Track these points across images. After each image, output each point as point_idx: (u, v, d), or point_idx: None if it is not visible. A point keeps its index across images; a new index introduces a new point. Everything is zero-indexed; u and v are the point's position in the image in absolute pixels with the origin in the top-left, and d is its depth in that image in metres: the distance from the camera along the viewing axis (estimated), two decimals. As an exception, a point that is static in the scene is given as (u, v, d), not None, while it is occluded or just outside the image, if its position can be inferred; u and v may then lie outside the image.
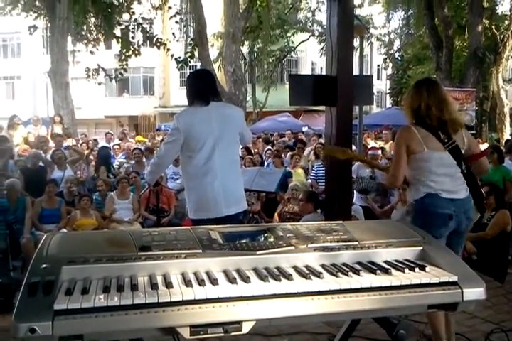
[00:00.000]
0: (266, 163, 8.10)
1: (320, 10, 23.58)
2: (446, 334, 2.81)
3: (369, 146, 8.56)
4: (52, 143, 8.84)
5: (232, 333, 1.31)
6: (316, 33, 23.97)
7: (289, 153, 8.64)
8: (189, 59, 11.18)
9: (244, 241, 1.65)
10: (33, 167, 6.63)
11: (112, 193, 6.21)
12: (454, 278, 1.52)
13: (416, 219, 2.78)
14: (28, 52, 26.46)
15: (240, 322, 1.31)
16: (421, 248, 1.72)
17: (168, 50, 11.50)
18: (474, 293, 1.51)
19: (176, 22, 13.70)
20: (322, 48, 21.90)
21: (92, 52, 12.36)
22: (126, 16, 14.02)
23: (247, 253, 1.56)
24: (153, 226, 5.50)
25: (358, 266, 1.59)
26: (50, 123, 10.88)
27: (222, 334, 1.30)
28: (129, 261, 1.44)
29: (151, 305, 1.24)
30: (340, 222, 1.91)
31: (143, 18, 13.64)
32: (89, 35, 13.05)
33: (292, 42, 22.93)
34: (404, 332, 1.49)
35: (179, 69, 12.50)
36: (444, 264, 1.61)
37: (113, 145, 10.08)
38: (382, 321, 1.57)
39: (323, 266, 1.58)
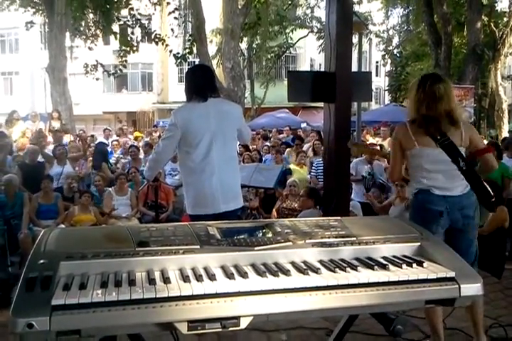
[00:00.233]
0: (264, 159, 8.09)
1: (319, 6, 23.52)
2: (473, 329, 2.80)
3: (368, 143, 8.56)
4: (50, 139, 8.83)
5: (230, 328, 1.31)
6: (315, 30, 23.94)
7: (288, 149, 8.64)
8: (187, 55, 11.15)
9: (242, 236, 1.65)
10: (31, 162, 6.62)
11: (110, 189, 6.20)
12: (452, 274, 1.53)
13: (411, 215, 2.81)
14: (26, 47, 26.35)
15: (237, 318, 1.31)
16: (419, 244, 1.72)
17: (166, 45, 11.47)
18: (472, 288, 1.51)
19: (175, 18, 13.66)
20: (321, 45, 21.87)
21: (90, 48, 12.32)
22: (124, 12, 13.98)
23: (245, 249, 1.56)
24: (151, 222, 5.50)
25: (355, 262, 1.59)
26: (48, 118, 10.87)
27: (220, 330, 1.30)
28: (127, 256, 1.43)
29: (148, 301, 1.24)
30: (339, 217, 1.91)
31: (140, 14, 13.59)
32: (87, 30, 13.00)
33: (291, 38, 22.90)
34: (402, 327, 1.50)
35: (177, 65, 12.46)
36: (441, 260, 1.62)
37: (111, 142, 10.07)
38: (380, 316, 1.58)
39: (321, 261, 1.59)
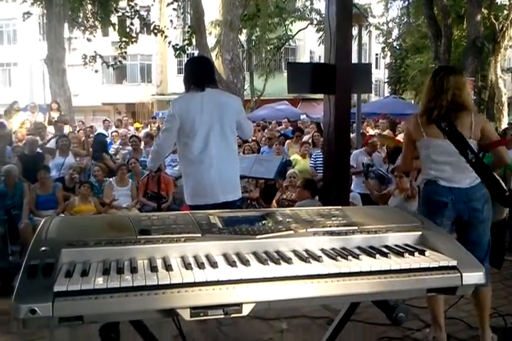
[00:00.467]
0: (262, 151, 8.08)
1: (318, -2, 23.40)
2: (479, 322, 2.80)
3: (368, 134, 8.57)
4: (50, 130, 8.82)
5: (232, 315, 1.31)
6: (315, 22, 23.84)
7: (288, 141, 8.63)
8: (186, 46, 11.09)
9: (243, 225, 1.64)
10: (30, 153, 6.62)
11: (111, 179, 6.20)
12: (454, 263, 1.53)
13: (419, 206, 2.82)
14: (24, 38, 26.19)
15: (239, 305, 1.31)
16: (420, 233, 1.72)
17: (165, 37, 11.41)
18: (474, 277, 1.51)
19: (174, 9, 13.57)
20: (320, 37, 21.79)
21: (88, 40, 12.25)
22: (123, 3, 13.88)
23: (246, 238, 1.56)
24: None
25: (357, 251, 1.59)
26: (47, 110, 10.85)
27: (222, 316, 1.30)
28: (129, 244, 1.43)
29: (151, 287, 1.24)
30: (340, 207, 1.91)
31: (139, 5, 13.48)
32: (85, 22, 12.92)
33: (290, 30, 22.81)
34: (404, 315, 1.50)
35: (176, 57, 12.40)
36: (443, 249, 1.62)
37: (111, 133, 10.05)
38: (382, 304, 1.58)
39: (322, 250, 1.58)
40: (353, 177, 6.30)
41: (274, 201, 5.88)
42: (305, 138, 8.83)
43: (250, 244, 1.54)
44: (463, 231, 2.73)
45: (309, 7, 24.33)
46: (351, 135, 7.37)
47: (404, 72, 25.53)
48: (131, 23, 11.84)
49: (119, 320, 1.30)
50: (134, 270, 1.30)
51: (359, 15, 9.26)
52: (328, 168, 5.31)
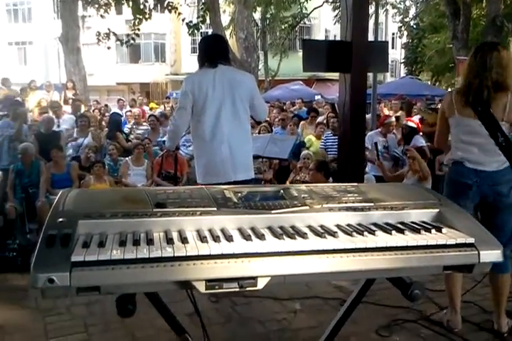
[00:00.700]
0: (275, 132, 8.04)
1: (335, -25, 22.84)
2: (495, 308, 2.79)
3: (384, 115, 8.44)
4: (65, 108, 8.86)
5: (248, 288, 1.31)
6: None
7: (302, 122, 8.56)
8: (200, 24, 10.95)
9: (258, 200, 1.64)
10: (46, 132, 6.67)
11: (127, 159, 6.23)
12: (471, 240, 1.51)
13: (445, 185, 2.79)
14: (39, 17, 26.16)
15: (255, 278, 1.32)
16: (437, 210, 1.70)
17: (179, 14, 11.29)
18: (491, 255, 1.49)
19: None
20: (336, 15, 21.35)
21: (102, 16, 12.16)
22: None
23: (261, 212, 1.56)
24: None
25: (373, 227, 1.58)
26: (63, 89, 10.88)
27: (238, 289, 1.30)
28: (145, 216, 1.44)
29: (166, 259, 1.25)
30: (355, 184, 1.90)
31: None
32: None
33: (305, 8, 22.33)
34: (419, 292, 1.50)
35: (190, 35, 12.26)
36: (461, 227, 1.60)
37: (125, 112, 10.07)
38: (397, 281, 1.57)
39: (338, 226, 1.58)
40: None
41: (287, 182, 5.87)
42: (320, 118, 8.75)
43: (265, 219, 1.54)
44: (487, 214, 2.69)
45: (325, -16, 23.83)
46: (366, 116, 7.29)
47: (421, 53, 25.04)
48: (145, 0, 11.70)
49: (136, 292, 1.31)
50: (150, 242, 1.31)
51: (376, -8, 9.07)
52: (342, 148, 5.27)
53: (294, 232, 1.47)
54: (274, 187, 1.83)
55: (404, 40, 28.27)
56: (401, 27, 25.67)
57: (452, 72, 19.38)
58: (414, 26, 26.51)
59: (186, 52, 25.87)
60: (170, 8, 11.63)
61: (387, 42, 6.74)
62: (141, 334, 2.89)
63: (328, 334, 2.02)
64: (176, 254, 1.26)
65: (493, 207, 2.66)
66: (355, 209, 1.65)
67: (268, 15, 22.91)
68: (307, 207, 1.62)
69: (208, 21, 12.24)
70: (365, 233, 1.51)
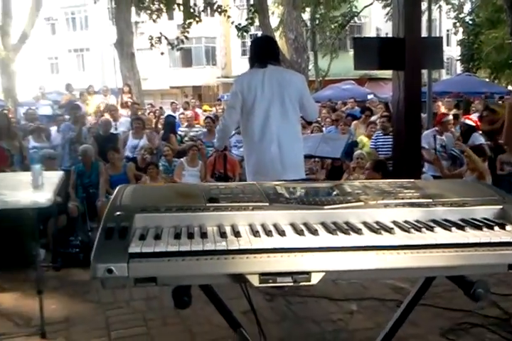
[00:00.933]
0: (327, 130, 7.95)
1: (385, -28, 22.36)
2: None
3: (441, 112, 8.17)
4: (121, 112, 9.18)
5: (302, 283, 1.30)
6: (381, -3, 22.86)
7: (355, 122, 8.43)
8: (249, 26, 11.01)
9: (311, 196, 1.62)
10: (104, 134, 6.93)
11: (183, 160, 6.35)
12: (538, 238, 1.42)
13: None
14: (95, 24, 27.25)
15: (308, 273, 1.30)
16: (500, 207, 1.62)
17: (228, 17, 11.43)
18: (560, 253, 1.40)
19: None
20: (387, 13, 20.93)
21: (154, 21, 12.49)
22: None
23: (314, 208, 1.54)
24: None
25: (431, 223, 1.52)
26: (119, 93, 11.27)
27: (291, 284, 1.29)
28: (198, 211, 1.46)
29: (220, 252, 1.26)
30: (412, 180, 1.84)
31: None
32: (151, 5, 13.19)
33: (355, 7, 22.03)
34: (483, 291, 1.42)
35: (239, 37, 12.37)
36: (526, 224, 1.51)
37: (178, 115, 10.30)
38: (458, 280, 1.50)
39: (394, 222, 1.53)
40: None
41: (341, 182, 5.77)
42: (373, 118, 8.58)
43: (318, 214, 1.52)
44: None
45: (375, -18, 23.37)
46: (422, 115, 7.08)
47: (478, 49, 24.05)
48: (194, 4, 11.89)
49: (191, 284, 1.33)
50: (204, 235, 1.33)
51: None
52: (397, 148, 5.14)
53: (348, 228, 1.44)
54: (326, 183, 1.80)
55: (460, 36, 27.27)
56: (456, 23, 24.81)
57: (512, 68, 18.50)
58: (470, 22, 25.52)
59: (236, 55, 26.15)
60: (219, 11, 11.78)
61: (441, 37, 6.55)
62: (197, 330, 2.94)
63: (384, 335, 1.96)
64: (229, 247, 1.27)
65: None
66: (412, 205, 1.60)
67: (317, 15, 22.75)
68: (362, 203, 1.59)
69: (257, 23, 12.30)
70: (424, 229, 1.45)
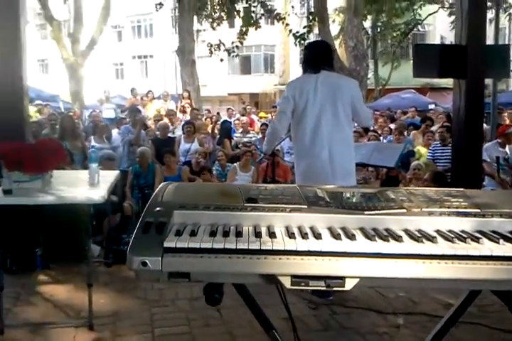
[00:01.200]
0: (387, 139, 7.78)
1: (451, -21, 21.68)
2: None
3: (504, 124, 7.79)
4: (180, 116, 9.44)
5: (335, 288, 1.27)
6: (446, 5, 22.15)
7: (414, 132, 8.21)
8: (307, 34, 11.00)
9: (351, 200, 1.59)
10: (162, 137, 7.14)
11: (236, 164, 6.43)
12: None
13: None
14: (159, 32, 28.20)
15: (342, 278, 1.27)
16: (556, 220, 1.52)
17: (287, 25, 11.49)
18: None
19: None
20: (453, 21, 20.23)
21: (213, 28, 12.76)
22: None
23: (354, 213, 1.51)
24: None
25: (478, 234, 1.45)
26: (179, 98, 11.60)
27: (324, 288, 1.27)
28: (236, 210, 1.47)
29: (253, 252, 1.26)
30: (461, 189, 1.76)
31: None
32: (213, 13, 13.50)
33: (419, 15, 21.44)
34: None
35: (296, 45, 12.39)
36: None
37: (234, 120, 10.46)
38: (505, 295, 1.42)
39: (438, 231, 1.47)
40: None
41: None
42: (433, 128, 8.32)
43: (358, 220, 1.48)
44: None
45: (441, -11, 22.69)
46: (485, 127, 6.79)
47: (552, 58, 22.75)
48: (253, 11, 12.01)
49: (223, 281, 1.34)
50: (239, 234, 1.33)
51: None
52: (456, 160, 4.97)
53: (388, 234, 1.39)
54: (370, 188, 1.76)
55: (532, 45, 25.91)
56: (528, 31, 23.59)
57: None
58: (543, 30, 24.17)
59: (295, 63, 26.18)
60: (278, 18, 11.85)
61: (509, 45, 6.25)
62: (239, 333, 2.94)
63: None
64: (262, 247, 1.26)
65: None
66: (458, 214, 1.53)
67: (379, 23, 22.40)
68: (404, 210, 1.54)
69: (316, 31, 12.28)
70: (468, 240, 1.38)
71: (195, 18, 13.59)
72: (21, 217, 3.97)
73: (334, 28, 16.67)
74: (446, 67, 4.68)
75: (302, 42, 12.15)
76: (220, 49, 12.27)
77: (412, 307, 3.30)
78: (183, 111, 10.08)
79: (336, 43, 15.93)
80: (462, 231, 1.46)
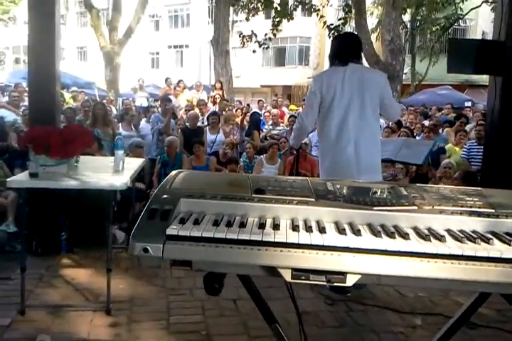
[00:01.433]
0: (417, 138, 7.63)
1: (498, -28, 20.83)
2: None
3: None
4: (209, 106, 9.49)
5: (335, 284, 1.26)
6: (490, -1, 21.40)
7: (447, 129, 8.03)
8: (342, 26, 10.81)
9: (361, 195, 1.57)
10: (191, 127, 7.20)
11: (262, 157, 6.44)
12: None
13: None
14: (195, 22, 28.30)
15: (344, 274, 1.26)
16: None
17: (321, 16, 11.31)
18: None
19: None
20: (497, 16, 19.52)
21: (247, 19, 12.68)
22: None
23: (362, 208, 1.48)
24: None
25: (489, 235, 1.40)
26: (212, 89, 11.64)
27: (325, 283, 1.26)
28: (242, 200, 1.47)
29: (254, 243, 1.26)
30: (479, 188, 1.71)
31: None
32: (249, 4, 13.44)
33: (461, 9, 20.78)
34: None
35: (330, 37, 12.21)
36: None
37: (263, 113, 10.44)
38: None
39: (448, 230, 1.43)
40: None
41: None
42: (469, 126, 8.11)
43: (365, 215, 1.46)
44: None
45: (485, -18, 21.90)
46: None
47: None
48: (286, 4, 11.87)
49: (224, 272, 1.34)
50: (242, 225, 1.33)
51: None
52: (488, 159, 4.83)
53: (395, 231, 1.37)
54: (382, 184, 1.73)
55: None
56: None
57: None
58: None
59: (330, 56, 25.86)
60: (312, 10, 11.67)
61: (552, 41, 5.98)
62: (252, 325, 2.96)
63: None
64: (263, 239, 1.26)
65: None
66: (471, 213, 1.48)
67: (419, 17, 21.84)
68: (415, 207, 1.50)
69: (352, 24, 12.07)
70: (479, 240, 1.34)
71: (231, 8, 13.58)
72: (48, 201, 4.10)
73: (372, 21, 16.37)
74: (482, 63, 4.53)
75: (336, 34, 11.95)
76: (251, 40, 12.20)
77: (430, 307, 3.25)
78: (214, 102, 10.11)
79: (373, 37, 15.63)
80: (473, 231, 1.42)
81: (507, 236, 1.39)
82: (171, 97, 9.18)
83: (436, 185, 1.79)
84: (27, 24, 4.09)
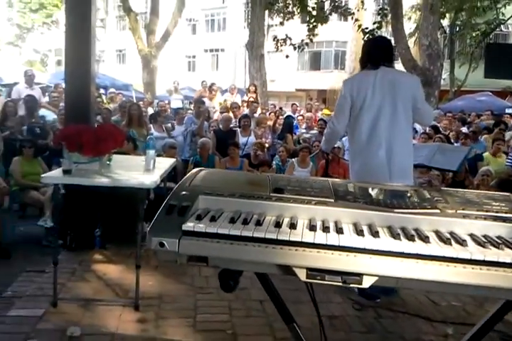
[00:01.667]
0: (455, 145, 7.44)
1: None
2: None
3: None
4: (243, 109, 9.53)
5: (351, 285, 1.24)
6: (535, 4, 20.68)
7: (485, 136, 7.81)
8: (376, 30, 10.63)
9: (382, 197, 1.54)
10: (224, 129, 7.25)
11: (294, 160, 6.44)
12: None
13: None
14: (231, 26, 28.53)
15: (360, 275, 1.24)
16: None
17: (356, 20, 11.17)
18: None
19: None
20: (542, 21, 18.90)
21: (281, 23, 12.66)
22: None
23: (382, 210, 1.46)
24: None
25: (514, 241, 1.36)
26: (246, 92, 11.70)
27: (340, 284, 1.24)
28: (260, 199, 1.47)
29: (269, 241, 1.25)
30: (507, 193, 1.66)
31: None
32: (284, 8, 13.45)
33: (503, 14, 20.13)
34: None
35: (363, 40, 12.08)
36: None
37: (297, 116, 10.41)
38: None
39: (471, 235, 1.39)
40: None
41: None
42: (508, 134, 7.86)
43: (386, 217, 1.44)
44: None
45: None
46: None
47: None
48: (321, 8, 11.78)
49: (240, 269, 1.34)
50: (258, 223, 1.33)
51: None
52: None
53: (415, 234, 1.34)
54: (406, 186, 1.69)
55: None
56: None
57: None
58: None
59: (366, 60, 25.56)
60: (347, 14, 11.55)
61: None
62: (278, 326, 2.93)
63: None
64: (278, 237, 1.26)
65: None
66: (496, 219, 1.44)
67: (458, 22, 21.34)
68: (437, 211, 1.47)
69: (389, 28, 11.90)
70: (502, 246, 1.30)
71: (266, 13, 13.61)
72: (84, 198, 4.20)
73: (410, 26, 16.11)
74: (521, 67, 4.41)
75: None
76: (285, 44, 12.15)
77: (464, 317, 3.13)
78: (248, 106, 10.15)
79: (411, 41, 15.37)
80: (498, 237, 1.38)
81: (533, 243, 1.34)
82: (205, 100, 9.28)
83: (462, 189, 1.74)
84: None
